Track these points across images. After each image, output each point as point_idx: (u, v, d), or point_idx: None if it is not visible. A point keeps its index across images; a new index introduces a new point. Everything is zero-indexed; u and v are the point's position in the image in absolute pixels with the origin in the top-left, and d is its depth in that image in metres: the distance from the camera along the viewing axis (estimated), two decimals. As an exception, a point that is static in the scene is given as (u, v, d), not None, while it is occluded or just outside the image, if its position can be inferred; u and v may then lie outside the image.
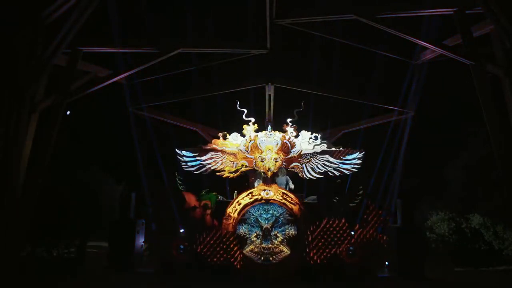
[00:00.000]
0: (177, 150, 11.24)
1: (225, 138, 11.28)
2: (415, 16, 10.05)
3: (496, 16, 8.43)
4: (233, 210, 10.13)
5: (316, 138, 11.19)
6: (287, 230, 9.95)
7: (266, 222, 9.97)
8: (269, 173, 10.83)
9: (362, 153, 11.04)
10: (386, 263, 10.32)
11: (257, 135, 11.18)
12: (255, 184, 10.90)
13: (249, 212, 10.14)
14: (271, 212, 10.06)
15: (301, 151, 11.11)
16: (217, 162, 11.14)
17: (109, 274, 9.88)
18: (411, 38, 9.83)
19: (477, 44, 9.40)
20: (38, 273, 9.63)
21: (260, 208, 10.12)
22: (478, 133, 14.44)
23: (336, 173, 10.98)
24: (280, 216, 10.04)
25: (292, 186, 11.15)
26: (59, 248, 11.89)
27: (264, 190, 10.23)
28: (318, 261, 9.65)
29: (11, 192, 8.32)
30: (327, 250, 9.69)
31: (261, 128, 11.44)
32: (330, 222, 9.79)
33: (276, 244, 9.85)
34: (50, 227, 11.55)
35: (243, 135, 11.27)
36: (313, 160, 11.07)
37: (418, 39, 9.83)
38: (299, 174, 11.09)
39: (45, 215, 10.99)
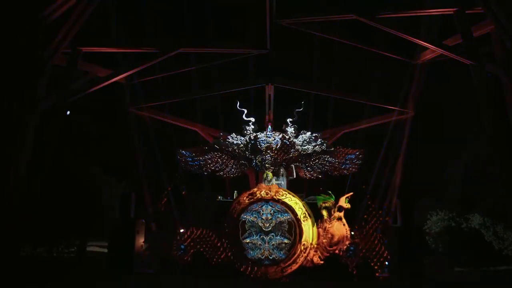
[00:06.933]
0: (177, 150, 11.23)
1: (225, 138, 11.27)
2: (415, 16, 10.05)
3: (496, 16, 8.44)
4: (233, 210, 10.15)
5: (316, 138, 11.18)
6: (287, 231, 9.98)
7: (266, 224, 10.03)
8: (270, 173, 10.82)
9: (362, 153, 11.02)
10: (386, 263, 10.31)
11: (257, 135, 11.17)
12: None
13: (249, 213, 10.17)
14: (271, 213, 10.11)
15: (301, 151, 11.10)
16: (217, 162, 11.13)
17: (109, 274, 9.87)
18: (411, 38, 9.83)
19: (477, 44, 9.40)
20: (38, 273, 9.63)
21: (260, 210, 10.16)
22: (478, 133, 14.43)
23: (336, 173, 10.96)
24: (280, 216, 10.08)
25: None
26: (59, 248, 11.91)
27: (264, 190, 10.25)
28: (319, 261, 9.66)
29: (11, 192, 8.32)
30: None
31: (261, 128, 11.44)
32: None
33: (277, 245, 9.90)
34: (50, 227, 11.55)
35: (243, 135, 11.26)
36: (313, 160, 11.05)
37: (418, 39, 9.83)
38: (299, 174, 11.07)
39: (45, 215, 11.00)
